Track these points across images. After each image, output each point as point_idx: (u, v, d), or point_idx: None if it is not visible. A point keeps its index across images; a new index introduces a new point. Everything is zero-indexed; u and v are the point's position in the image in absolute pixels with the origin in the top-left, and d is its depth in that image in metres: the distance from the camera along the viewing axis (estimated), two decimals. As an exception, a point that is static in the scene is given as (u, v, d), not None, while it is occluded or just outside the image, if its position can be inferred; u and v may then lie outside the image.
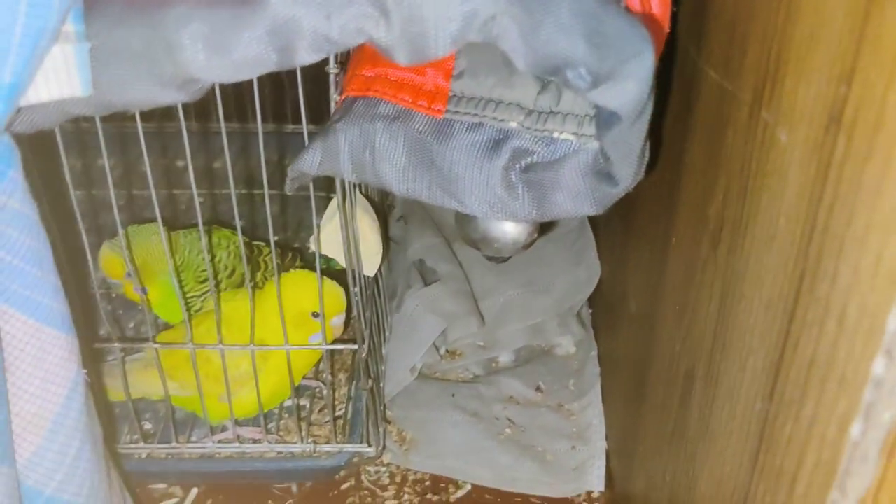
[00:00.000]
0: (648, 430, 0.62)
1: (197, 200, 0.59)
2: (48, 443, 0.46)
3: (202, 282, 0.80)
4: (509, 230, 0.52)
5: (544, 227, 0.60)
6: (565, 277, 0.94)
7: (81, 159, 0.94)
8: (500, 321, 0.93)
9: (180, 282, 0.75)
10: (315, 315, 0.72)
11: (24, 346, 0.44)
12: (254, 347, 0.69)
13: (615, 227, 0.81)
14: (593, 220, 0.96)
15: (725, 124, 0.45)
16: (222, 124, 0.55)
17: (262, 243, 0.87)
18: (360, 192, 0.73)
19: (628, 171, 0.46)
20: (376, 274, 0.80)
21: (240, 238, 0.64)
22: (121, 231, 0.64)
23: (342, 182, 0.60)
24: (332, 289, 0.74)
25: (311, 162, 0.50)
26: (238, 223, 0.62)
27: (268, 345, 0.71)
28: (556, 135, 0.47)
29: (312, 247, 0.71)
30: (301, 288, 0.72)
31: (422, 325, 0.86)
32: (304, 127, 0.55)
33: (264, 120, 0.56)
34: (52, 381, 0.45)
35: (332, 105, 0.53)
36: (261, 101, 0.53)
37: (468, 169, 0.48)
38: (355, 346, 0.69)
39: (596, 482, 0.77)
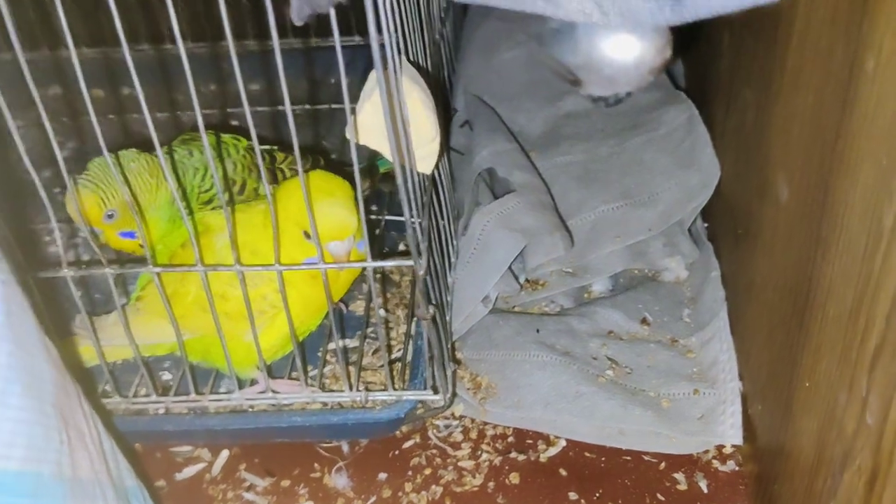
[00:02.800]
0: (820, 360, 0.44)
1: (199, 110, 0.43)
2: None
3: (207, 202, 0.64)
4: (629, 46, 0.34)
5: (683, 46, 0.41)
6: (672, 185, 0.75)
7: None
8: (591, 242, 0.75)
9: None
10: (307, 236, 0.56)
11: None
12: (280, 268, 0.54)
13: (746, 100, 0.62)
14: (709, 107, 0.77)
15: None
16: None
17: (275, 147, 0.70)
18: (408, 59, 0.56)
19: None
20: (434, 174, 0.63)
21: (255, 142, 0.47)
22: (109, 159, 0.49)
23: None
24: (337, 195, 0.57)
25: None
26: (251, 122, 0.46)
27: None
28: None
29: (348, 135, 0.54)
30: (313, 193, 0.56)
31: (495, 244, 0.69)
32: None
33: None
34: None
35: None
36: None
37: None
38: (409, 262, 0.53)
39: (731, 433, 0.59)
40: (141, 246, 0.58)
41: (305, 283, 0.58)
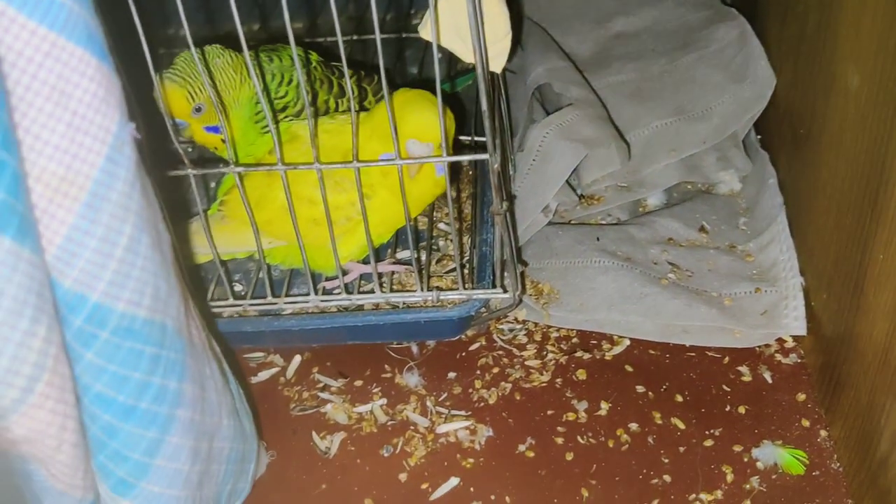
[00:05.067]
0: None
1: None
2: (87, 223, 0.32)
3: (281, 109, 0.65)
4: None
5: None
6: (726, 98, 0.76)
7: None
8: (646, 157, 0.76)
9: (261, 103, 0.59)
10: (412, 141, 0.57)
11: (34, 69, 0.30)
12: (357, 164, 0.55)
13: (807, 4, 0.63)
14: (762, 21, 0.77)
15: None
16: None
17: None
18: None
19: None
20: (499, 80, 0.64)
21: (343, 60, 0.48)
22: (194, 54, 0.50)
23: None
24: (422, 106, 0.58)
25: None
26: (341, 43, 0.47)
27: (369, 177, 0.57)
28: None
29: (423, 34, 0.55)
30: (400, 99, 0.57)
31: (556, 154, 0.70)
32: None
33: None
34: (83, 131, 0.31)
35: None
36: None
37: None
38: (484, 156, 0.54)
39: (795, 325, 0.60)
40: (223, 141, 0.59)
41: (386, 189, 0.59)
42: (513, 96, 0.80)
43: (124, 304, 0.34)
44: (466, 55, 0.54)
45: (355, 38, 0.87)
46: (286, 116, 0.65)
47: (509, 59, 0.58)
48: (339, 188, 0.58)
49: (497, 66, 0.57)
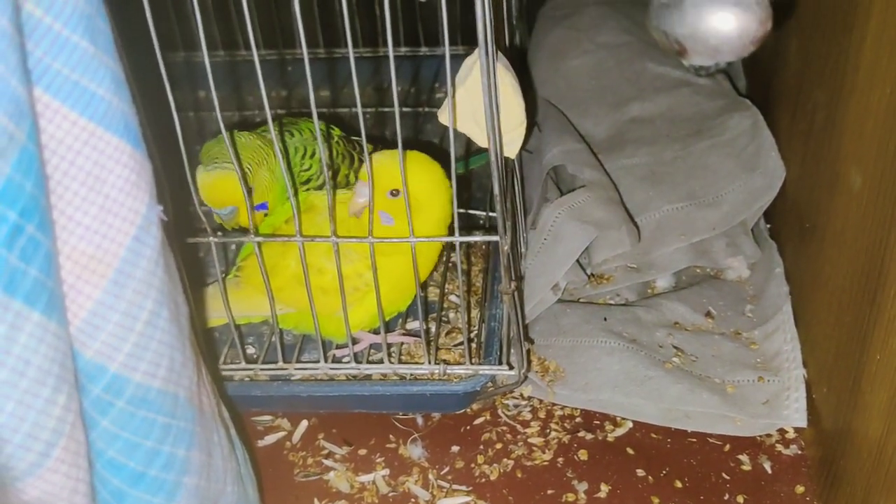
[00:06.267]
0: (893, 333, 0.46)
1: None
2: (112, 298, 0.34)
3: (304, 182, 0.68)
4: (732, 18, 0.37)
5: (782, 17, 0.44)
6: (737, 186, 0.78)
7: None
8: (656, 240, 0.78)
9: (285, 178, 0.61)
10: (393, 193, 0.59)
11: (73, 156, 0.32)
12: (372, 240, 0.57)
13: (816, 102, 0.65)
14: (774, 112, 0.79)
15: None
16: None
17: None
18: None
19: None
20: (513, 163, 0.66)
21: (363, 133, 0.51)
22: (227, 140, 0.53)
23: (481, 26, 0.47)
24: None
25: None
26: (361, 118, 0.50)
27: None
28: None
29: (441, 118, 0.58)
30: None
31: (566, 233, 0.72)
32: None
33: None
34: (114, 213, 0.34)
35: None
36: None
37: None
38: (494, 238, 0.56)
39: (795, 416, 0.61)
40: (265, 216, 0.62)
41: (396, 262, 0.61)
42: (528, 175, 0.82)
43: (141, 375, 0.36)
44: (481, 140, 0.57)
45: (377, 110, 0.91)
46: (307, 189, 0.67)
47: (524, 144, 0.61)
48: (346, 259, 0.60)
49: (511, 152, 0.59)
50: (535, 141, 0.86)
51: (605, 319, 0.71)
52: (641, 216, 0.79)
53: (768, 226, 0.79)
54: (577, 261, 0.75)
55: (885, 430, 0.47)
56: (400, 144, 0.53)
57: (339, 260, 0.57)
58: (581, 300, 0.76)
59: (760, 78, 0.87)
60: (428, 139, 0.93)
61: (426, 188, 0.60)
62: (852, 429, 0.52)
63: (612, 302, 0.76)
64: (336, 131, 0.70)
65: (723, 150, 0.81)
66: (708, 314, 0.73)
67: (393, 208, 0.60)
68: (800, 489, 0.59)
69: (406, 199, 0.54)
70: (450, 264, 0.76)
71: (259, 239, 0.59)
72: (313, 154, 0.68)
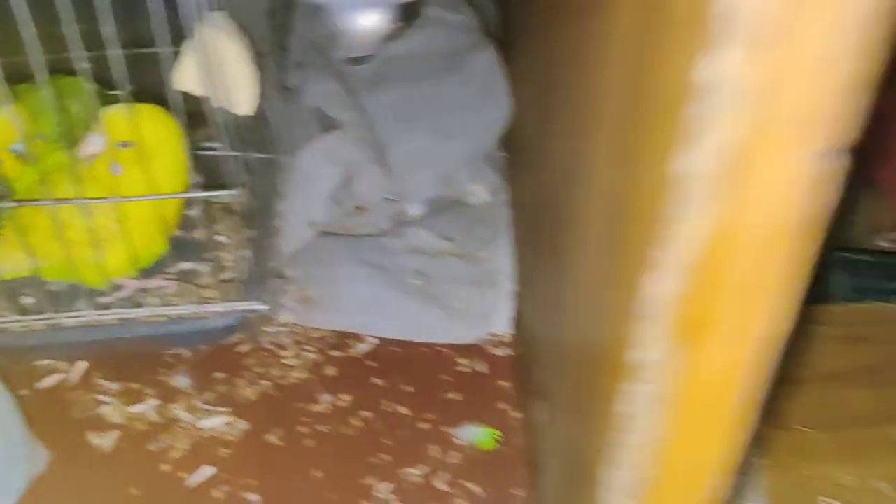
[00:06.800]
0: (544, 272, 0.57)
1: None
2: None
3: (55, 141, 0.72)
4: (364, 20, 0.45)
5: (409, 17, 0.52)
6: (475, 120, 0.88)
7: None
8: (408, 172, 0.87)
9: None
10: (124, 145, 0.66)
11: None
12: (120, 199, 0.63)
13: (536, 56, 0.75)
14: (511, 55, 0.89)
15: None
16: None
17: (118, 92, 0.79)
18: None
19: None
20: (261, 116, 0.73)
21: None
22: None
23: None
24: None
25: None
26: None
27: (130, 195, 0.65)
28: None
29: (174, 84, 0.64)
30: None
31: (317, 175, 0.80)
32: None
33: None
34: None
35: None
36: None
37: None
38: (227, 192, 0.63)
39: (500, 324, 0.73)
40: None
41: (139, 209, 0.67)
42: (292, 114, 0.89)
43: None
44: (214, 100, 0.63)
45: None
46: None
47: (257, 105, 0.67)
48: (97, 212, 0.66)
49: (241, 108, 0.66)
50: (298, 80, 0.92)
51: (357, 249, 0.80)
52: (395, 149, 0.88)
53: (506, 155, 0.89)
54: (341, 198, 0.83)
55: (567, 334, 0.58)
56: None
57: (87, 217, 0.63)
58: (340, 232, 0.85)
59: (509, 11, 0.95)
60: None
61: (154, 140, 0.66)
62: (543, 333, 0.64)
63: (373, 232, 0.85)
64: (85, 85, 0.74)
65: (465, 86, 0.90)
66: (447, 237, 0.83)
67: (123, 158, 0.66)
68: (505, 384, 0.71)
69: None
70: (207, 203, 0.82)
71: (11, 205, 0.63)
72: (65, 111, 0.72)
